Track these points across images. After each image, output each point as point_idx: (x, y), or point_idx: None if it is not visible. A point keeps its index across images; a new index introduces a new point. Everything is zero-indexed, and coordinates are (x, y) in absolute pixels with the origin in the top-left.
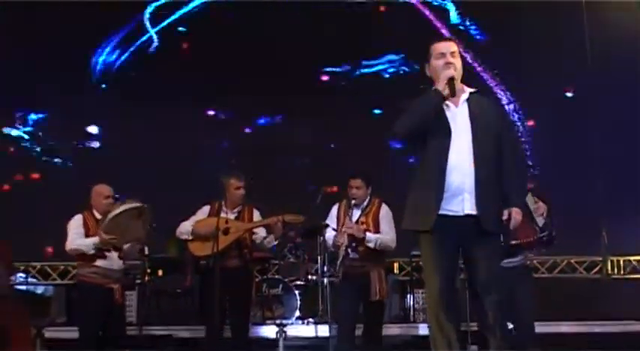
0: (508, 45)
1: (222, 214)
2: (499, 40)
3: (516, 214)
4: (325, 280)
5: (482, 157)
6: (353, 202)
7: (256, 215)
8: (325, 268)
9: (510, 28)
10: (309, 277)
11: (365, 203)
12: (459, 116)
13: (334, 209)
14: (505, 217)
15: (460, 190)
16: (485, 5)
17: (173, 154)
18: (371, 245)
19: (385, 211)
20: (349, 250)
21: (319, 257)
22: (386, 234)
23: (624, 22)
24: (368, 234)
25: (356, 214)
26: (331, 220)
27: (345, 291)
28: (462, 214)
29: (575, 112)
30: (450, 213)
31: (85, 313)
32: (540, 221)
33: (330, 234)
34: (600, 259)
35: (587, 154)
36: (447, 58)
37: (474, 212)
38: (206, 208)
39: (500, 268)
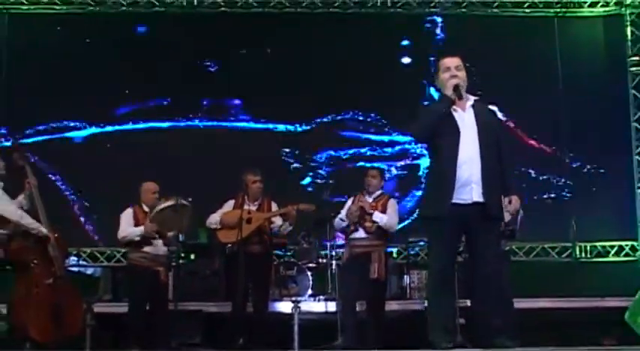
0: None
1: (245, 206)
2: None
3: (516, 201)
4: (333, 263)
5: (486, 152)
6: (368, 188)
7: (274, 206)
8: (333, 253)
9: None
10: (320, 260)
11: (377, 193)
12: (466, 119)
13: (349, 200)
14: (506, 203)
15: (469, 181)
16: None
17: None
18: (376, 220)
19: (392, 202)
20: (358, 226)
21: (328, 244)
22: (390, 217)
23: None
24: (375, 212)
25: (369, 199)
26: (345, 209)
27: (349, 271)
28: (470, 202)
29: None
30: (460, 201)
31: (134, 291)
32: (507, 217)
33: (338, 220)
34: (570, 244)
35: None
36: (452, 72)
37: (481, 200)
38: (231, 202)
39: (500, 248)
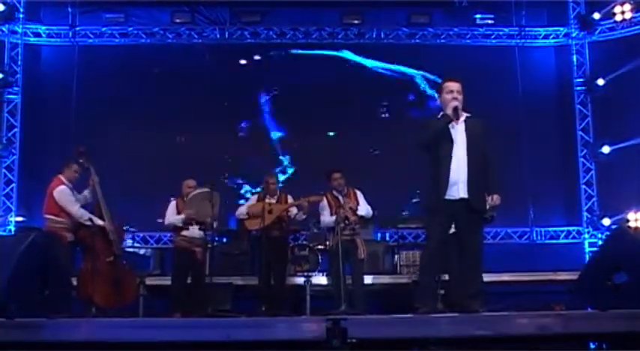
0: None
1: (267, 200)
2: None
3: (497, 198)
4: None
5: (473, 159)
6: (338, 187)
7: (290, 199)
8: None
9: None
10: (327, 243)
11: (345, 190)
12: (458, 132)
13: (324, 200)
14: (489, 199)
15: (457, 182)
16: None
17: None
18: (360, 213)
19: (359, 193)
20: (346, 222)
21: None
22: (366, 207)
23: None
24: (359, 208)
25: (341, 198)
26: (324, 208)
27: (337, 254)
28: (457, 197)
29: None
30: (450, 197)
31: (176, 267)
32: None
33: (324, 218)
34: (528, 229)
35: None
36: (454, 95)
37: (466, 196)
38: (255, 197)
39: (480, 236)
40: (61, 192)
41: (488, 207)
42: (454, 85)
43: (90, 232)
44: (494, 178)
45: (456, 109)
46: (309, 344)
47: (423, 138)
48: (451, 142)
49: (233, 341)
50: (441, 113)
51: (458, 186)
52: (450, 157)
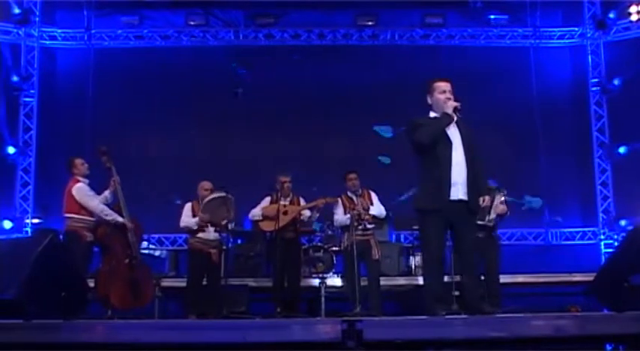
0: None
1: (281, 202)
2: None
3: (488, 200)
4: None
5: (470, 160)
6: (352, 188)
7: (302, 201)
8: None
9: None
10: (341, 244)
11: (359, 191)
12: (454, 133)
13: (339, 202)
14: (480, 202)
15: (456, 182)
16: None
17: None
18: (373, 212)
19: (374, 195)
20: (360, 221)
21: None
22: (379, 208)
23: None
24: (371, 208)
25: (355, 199)
26: (339, 208)
27: (352, 255)
28: (456, 199)
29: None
30: (451, 198)
31: (191, 269)
32: (492, 214)
33: (338, 216)
34: (544, 230)
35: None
36: (448, 94)
37: (465, 198)
38: (268, 198)
39: (476, 237)
40: (79, 189)
41: (490, 211)
42: (446, 85)
43: (108, 232)
44: (482, 180)
45: (456, 108)
46: (324, 346)
47: (421, 137)
48: (450, 142)
49: (248, 343)
50: (434, 114)
51: (457, 187)
52: (450, 158)
